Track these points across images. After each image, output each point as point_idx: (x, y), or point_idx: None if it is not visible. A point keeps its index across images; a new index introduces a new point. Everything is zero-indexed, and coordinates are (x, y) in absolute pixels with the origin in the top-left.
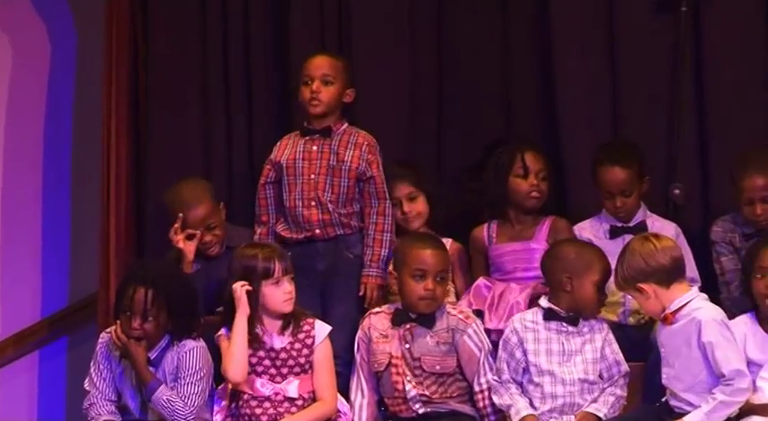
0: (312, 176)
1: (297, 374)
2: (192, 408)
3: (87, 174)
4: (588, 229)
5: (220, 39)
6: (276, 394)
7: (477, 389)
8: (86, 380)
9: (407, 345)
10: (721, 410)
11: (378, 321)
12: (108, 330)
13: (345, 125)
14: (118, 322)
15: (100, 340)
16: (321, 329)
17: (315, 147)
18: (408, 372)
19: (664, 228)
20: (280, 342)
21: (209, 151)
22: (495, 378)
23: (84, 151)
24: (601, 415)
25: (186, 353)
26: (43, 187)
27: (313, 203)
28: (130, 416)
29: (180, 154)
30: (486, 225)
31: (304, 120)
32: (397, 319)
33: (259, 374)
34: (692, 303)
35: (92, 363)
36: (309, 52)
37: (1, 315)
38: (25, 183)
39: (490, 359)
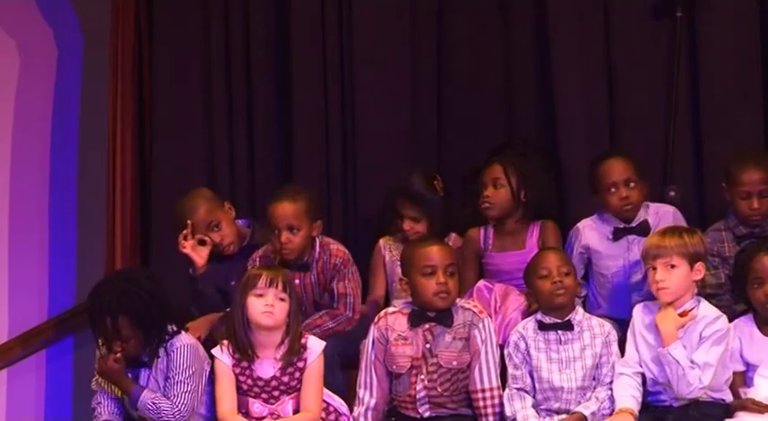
0: (303, 309)
1: (290, 394)
2: (179, 407)
3: (93, 175)
4: (590, 229)
5: (223, 41)
6: (272, 414)
7: (478, 386)
8: (93, 380)
9: (428, 346)
10: (688, 377)
11: (395, 322)
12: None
13: (318, 249)
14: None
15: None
16: (314, 348)
17: (297, 281)
18: (424, 371)
19: (662, 210)
20: (270, 371)
21: (212, 152)
22: (517, 385)
23: (91, 153)
24: (587, 413)
25: (174, 351)
26: (50, 189)
27: None
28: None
29: (184, 155)
30: (482, 228)
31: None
32: (415, 321)
33: (253, 397)
34: (703, 304)
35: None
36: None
37: (9, 315)
38: (33, 184)
39: (495, 359)
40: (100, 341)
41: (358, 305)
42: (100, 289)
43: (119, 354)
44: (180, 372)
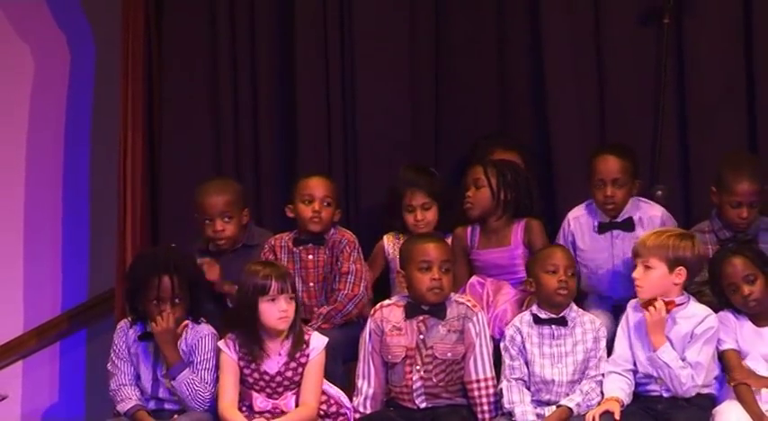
0: (311, 284)
1: (292, 389)
2: (209, 395)
3: (105, 175)
4: (578, 219)
5: (229, 44)
6: (275, 408)
7: (473, 377)
8: (109, 362)
9: (422, 336)
10: (681, 377)
11: (390, 313)
12: (128, 318)
13: (332, 230)
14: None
15: (119, 327)
16: (316, 345)
17: (310, 256)
18: (419, 362)
19: (651, 212)
20: (276, 366)
21: (218, 152)
22: (515, 375)
23: (102, 153)
24: (572, 405)
25: (201, 338)
26: (63, 188)
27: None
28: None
29: (192, 155)
30: (469, 226)
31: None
32: (410, 312)
33: (257, 391)
34: (693, 302)
35: (112, 350)
36: (313, 65)
37: (24, 309)
38: (47, 184)
39: (489, 351)
40: (149, 302)
41: (362, 283)
42: (157, 251)
43: (171, 316)
44: (207, 360)
